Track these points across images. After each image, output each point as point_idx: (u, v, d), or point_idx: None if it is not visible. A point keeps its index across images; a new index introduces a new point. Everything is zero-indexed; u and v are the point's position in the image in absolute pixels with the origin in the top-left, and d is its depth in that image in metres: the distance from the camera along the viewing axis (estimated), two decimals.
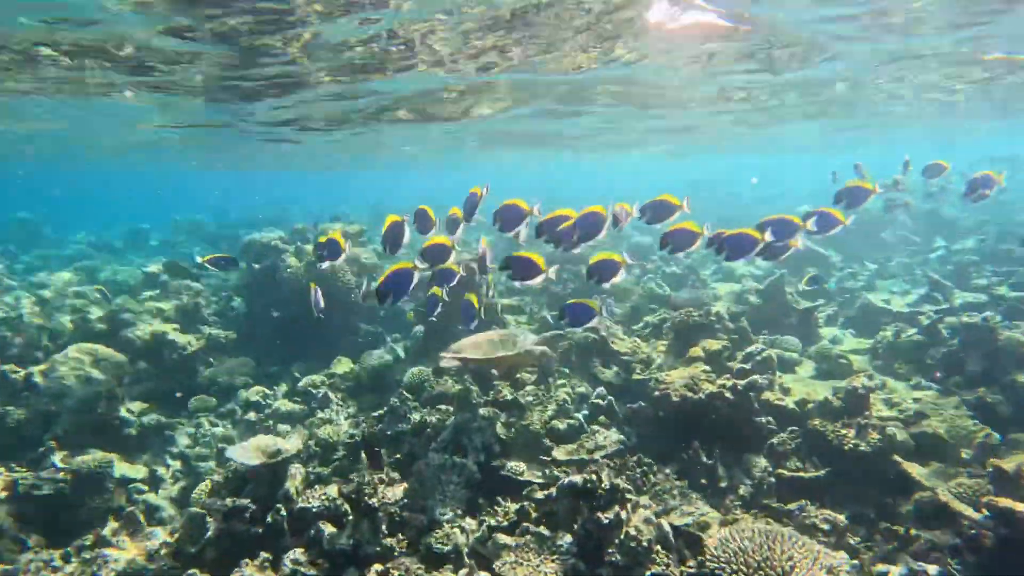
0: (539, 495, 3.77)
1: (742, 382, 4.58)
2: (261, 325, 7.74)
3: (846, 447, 4.65)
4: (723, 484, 4.55)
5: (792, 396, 5.58)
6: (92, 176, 36.89)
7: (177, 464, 5.62)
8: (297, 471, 4.02)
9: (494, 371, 5.52)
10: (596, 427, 5.00)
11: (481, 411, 4.75)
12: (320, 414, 5.47)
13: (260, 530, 3.70)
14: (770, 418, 5.03)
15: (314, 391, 6.03)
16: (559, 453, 4.38)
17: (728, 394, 4.49)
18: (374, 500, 3.55)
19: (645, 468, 4.08)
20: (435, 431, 4.57)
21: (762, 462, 4.80)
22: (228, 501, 3.71)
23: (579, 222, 3.95)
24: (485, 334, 5.43)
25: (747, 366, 4.97)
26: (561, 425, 4.96)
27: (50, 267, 11.26)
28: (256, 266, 7.36)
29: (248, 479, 3.93)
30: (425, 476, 4.20)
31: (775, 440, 4.89)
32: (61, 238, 17.15)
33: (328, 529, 3.62)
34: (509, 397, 5.16)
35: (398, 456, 4.78)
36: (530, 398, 5.01)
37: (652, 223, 4.15)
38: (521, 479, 4.14)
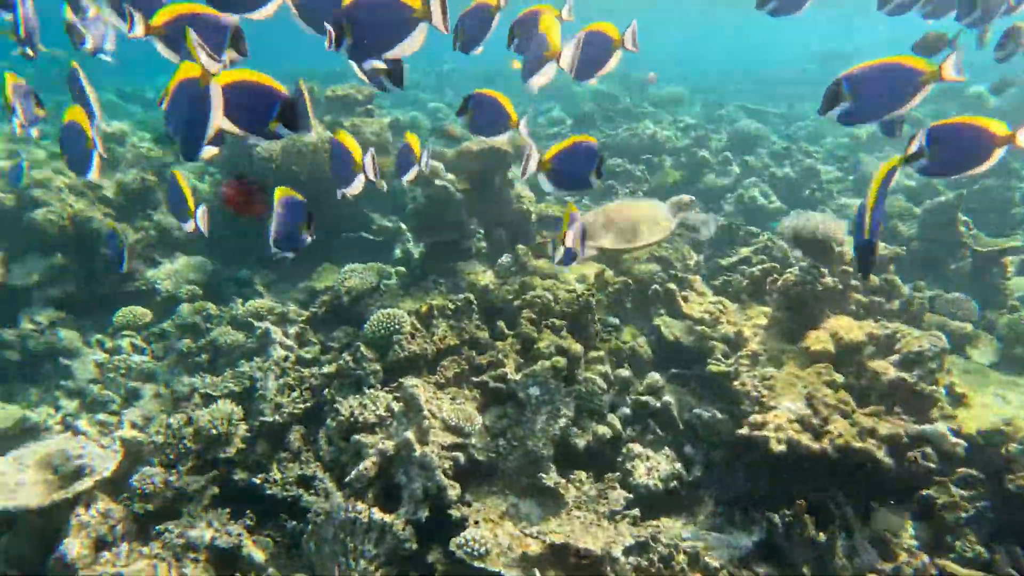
0: None
1: (911, 429, 2.50)
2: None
3: None
4: None
5: (968, 406, 3.44)
6: None
7: (72, 406, 4.18)
8: (92, 517, 2.36)
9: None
10: (637, 447, 3.10)
11: (445, 412, 2.92)
12: (244, 366, 3.80)
13: None
14: (927, 449, 2.95)
15: (257, 324, 4.36)
16: (555, 522, 2.54)
17: (882, 455, 2.44)
18: None
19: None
20: (357, 452, 2.80)
21: (907, 529, 2.81)
22: None
23: None
24: (617, 207, 3.69)
25: (907, 377, 2.83)
26: (581, 441, 3.09)
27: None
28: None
29: (13, 522, 2.32)
30: (324, 537, 2.48)
31: (938, 496, 2.85)
32: None
33: None
34: (511, 376, 3.29)
35: (338, 454, 3.09)
36: (536, 390, 3.11)
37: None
38: (481, 567, 2.35)
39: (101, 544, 2.36)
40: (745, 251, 4.77)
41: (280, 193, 2.35)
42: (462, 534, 2.42)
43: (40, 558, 2.26)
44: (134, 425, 3.49)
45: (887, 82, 2.08)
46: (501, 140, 2.56)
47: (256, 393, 3.59)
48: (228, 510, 2.87)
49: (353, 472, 2.60)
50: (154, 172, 5.90)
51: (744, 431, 2.63)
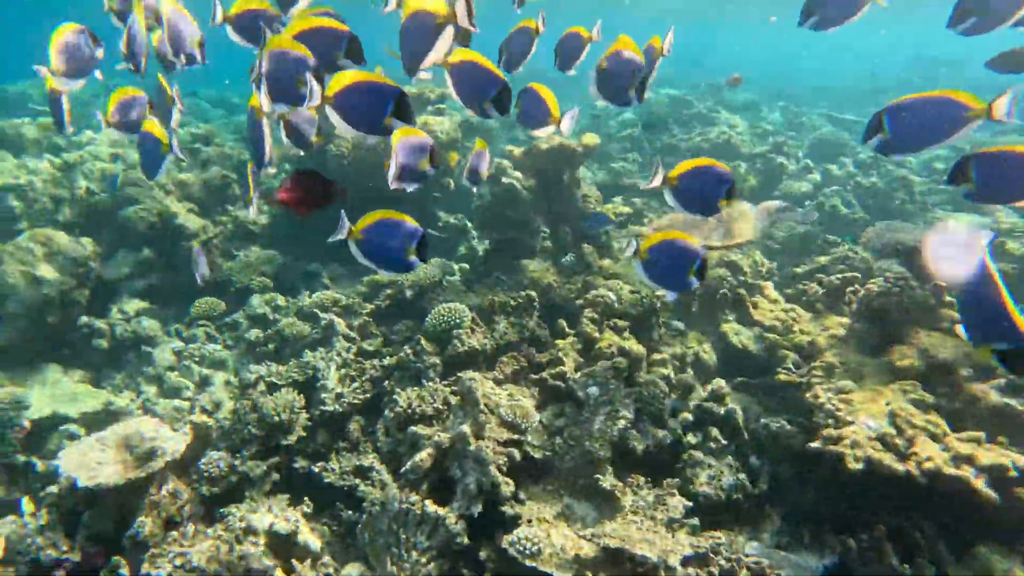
0: None
1: (1021, 461, 2.28)
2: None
3: None
4: None
5: None
6: None
7: (151, 391, 4.38)
8: (163, 497, 2.45)
9: None
10: (699, 455, 2.98)
11: (503, 408, 2.89)
12: (308, 356, 3.88)
13: None
14: None
15: (322, 315, 4.45)
16: (610, 526, 2.46)
17: (981, 485, 2.23)
18: None
19: None
20: (413, 443, 2.80)
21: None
22: (40, 541, 2.23)
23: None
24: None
25: (1014, 403, 2.60)
26: (640, 444, 3.00)
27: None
28: None
29: (95, 500, 2.42)
30: (378, 528, 2.49)
31: None
32: None
33: None
34: (570, 375, 3.24)
35: (395, 446, 3.10)
36: (595, 390, 3.05)
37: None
38: (532, 567, 2.30)
39: (170, 523, 2.44)
40: (822, 260, 4.55)
41: (402, 134, 2.35)
42: (515, 531, 2.39)
43: (117, 534, 2.35)
44: (204, 410, 3.62)
45: (927, 116, 1.98)
46: (541, 133, 2.53)
47: (318, 383, 3.67)
48: (287, 496, 2.93)
49: (408, 463, 2.60)
50: (234, 169, 6.15)
51: (816, 445, 2.48)
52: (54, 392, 3.98)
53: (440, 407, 3.04)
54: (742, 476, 2.90)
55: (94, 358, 4.48)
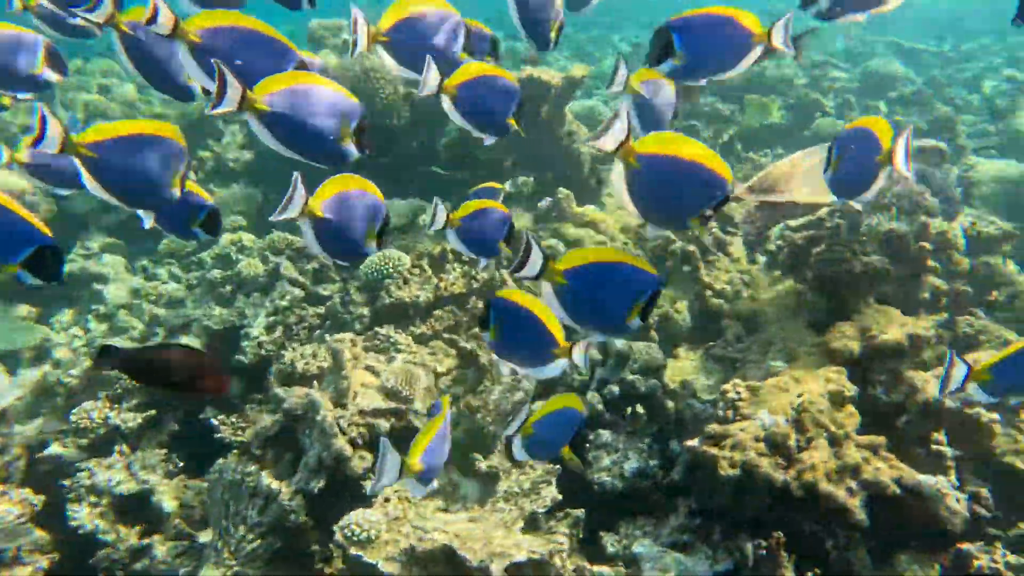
0: None
1: (908, 478, 1.80)
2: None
3: None
4: None
5: None
6: None
7: (101, 328, 4.31)
8: None
9: None
10: (607, 435, 2.62)
11: (385, 373, 2.58)
12: (241, 300, 3.68)
13: None
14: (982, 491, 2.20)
15: (272, 258, 4.22)
16: (465, 514, 2.15)
17: (854, 504, 1.77)
18: None
19: None
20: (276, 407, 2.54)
21: None
22: None
23: None
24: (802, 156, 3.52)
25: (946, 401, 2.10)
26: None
27: None
28: None
29: None
30: (213, 497, 2.28)
31: (978, 556, 2.10)
32: None
33: None
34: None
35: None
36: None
37: None
38: (357, 556, 2.03)
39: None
40: (823, 211, 3.97)
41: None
42: (348, 515, 2.12)
43: None
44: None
45: None
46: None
47: (243, 330, 3.49)
48: (164, 452, 2.76)
49: (253, 429, 2.36)
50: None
51: (693, 443, 2.07)
52: None
53: (327, 366, 2.77)
54: (653, 463, 2.52)
55: (45, 292, 4.43)
